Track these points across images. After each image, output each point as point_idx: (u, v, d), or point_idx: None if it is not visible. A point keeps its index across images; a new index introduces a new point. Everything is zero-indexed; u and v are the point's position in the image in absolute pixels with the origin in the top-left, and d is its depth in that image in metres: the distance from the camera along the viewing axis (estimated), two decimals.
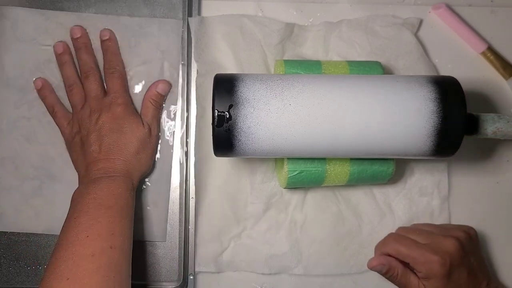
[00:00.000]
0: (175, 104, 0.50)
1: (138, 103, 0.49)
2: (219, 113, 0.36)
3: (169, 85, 0.49)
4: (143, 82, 0.50)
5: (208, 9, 0.51)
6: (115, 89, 0.47)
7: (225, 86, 0.37)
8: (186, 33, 0.50)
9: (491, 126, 0.41)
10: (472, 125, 0.41)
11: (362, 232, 0.49)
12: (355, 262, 0.49)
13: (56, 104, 0.48)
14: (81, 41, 0.48)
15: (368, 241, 0.49)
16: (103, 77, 0.48)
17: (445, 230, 0.46)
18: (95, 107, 0.46)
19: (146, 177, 0.49)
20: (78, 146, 0.46)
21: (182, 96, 0.50)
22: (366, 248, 0.49)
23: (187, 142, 0.49)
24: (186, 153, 0.49)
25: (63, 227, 0.41)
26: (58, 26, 0.50)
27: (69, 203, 0.46)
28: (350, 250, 0.49)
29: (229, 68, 0.49)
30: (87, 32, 0.49)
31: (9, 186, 0.49)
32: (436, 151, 0.38)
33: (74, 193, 0.43)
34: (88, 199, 0.41)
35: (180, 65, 0.50)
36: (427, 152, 0.38)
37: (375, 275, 0.48)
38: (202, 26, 0.49)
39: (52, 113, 0.48)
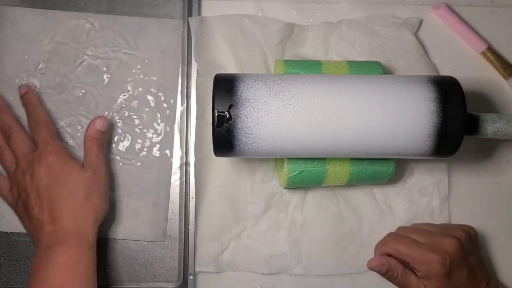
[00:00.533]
0: (175, 104, 0.50)
1: (136, 105, 0.49)
2: (219, 113, 0.36)
3: (107, 121, 0.46)
4: (143, 83, 0.50)
5: (208, 9, 0.51)
6: (42, 139, 0.44)
7: (225, 86, 0.37)
8: (186, 33, 0.50)
9: (491, 126, 0.41)
10: (472, 125, 0.41)
11: (362, 232, 0.49)
12: (355, 262, 0.49)
13: None
14: None
15: (368, 241, 0.49)
16: (29, 133, 0.46)
17: (445, 229, 0.46)
18: (26, 164, 0.43)
19: (137, 186, 0.48)
20: (23, 212, 0.43)
21: (182, 96, 0.50)
22: (366, 248, 0.49)
23: (187, 142, 0.49)
24: (186, 153, 0.49)
25: None
26: (58, 25, 0.50)
27: None
28: (350, 250, 0.49)
29: (229, 68, 0.49)
30: (1, 97, 0.48)
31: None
32: (436, 151, 0.38)
33: (31, 263, 0.41)
34: (39, 279, 0.39)
35: (180, 65, 0.50)
36: (427, 152, 0.38)
37: (375, 275, 0.48)
38: (202, 26, 0.49)
39: None
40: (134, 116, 0.50)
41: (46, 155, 0.43)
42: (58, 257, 0.40)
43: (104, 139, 0.46)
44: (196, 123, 0.48)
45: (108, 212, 0.45)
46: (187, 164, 0.49)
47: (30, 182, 0.42)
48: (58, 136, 0.46)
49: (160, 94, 0.50)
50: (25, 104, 0.47)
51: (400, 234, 0.46)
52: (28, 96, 0.47)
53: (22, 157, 0.44)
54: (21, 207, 0.43)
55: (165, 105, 0.50)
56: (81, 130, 0.49)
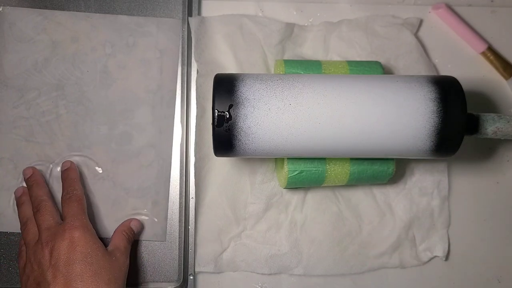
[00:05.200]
0: (175, 104, 0.50)
1: (135, 105, 0.49)
2: (219, 113, 0.36)
3: (142, 226, 0.47)
4: (142, 82, 0.50)
5: (208, 9, 0.51)
6: (72, 213, 0.41)
7: (225, 86, 0.37)
8: (186, 33, 0.50)
9: (491, 126, 0.41)
10: (472, 125, 0.41)
11: (362, 232, 0.49)
12: (355, 262, 0.49)
13: (23, 245, 0.43)
14: (32, 179, 0.46)
15: (368, 241, 0.49)
16: (61, 207, 0.44)
17: None
18: (48, 237, 0.40)
19: (137, 185, 0.48)
20: None
21: (182, 96, 0.50)
22: (366, 248, 0.49)
23: (187, 142, 0.49)
24: (186, 153, 0.49)
25: None
26: (56, 25, 0.50)
27: None
28: (350, 250, 0.49)
29: (229, 68, 0.49)
30: (38, 171, 0.47)
31: (8, 186, 0.49)
32: (436, 151, 0.38)
33: None
34: None
35: (179, 65, 0.50)
36: (427, 152, 0.38)
37: (375, 275, 0.48)
38: (202, 26, 0.49)
39: (19, 252, 0.44)
40: (133, 115, 0.49)
41: (72, 230, 0.40)
42: None
43: (133, 237, 0.46)
44: (196, 123, 0.48)
45: (106, 213, 0.45)
46: (187, 164, 0.49)
47: (49, 256, 0.39)
48: (86, 214, 0.43)
49: (159, 93, 0.50)
50: (64, 179, 0.46)
51: None
52: (69, 172, 0.46)
53: (45, 230, 0.41)
54: (33, 285, 0.39)
55: (164, 104, 0.50)
56: (79, 130, 0.49)
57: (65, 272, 0.38)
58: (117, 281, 0.40)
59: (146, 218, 0.49)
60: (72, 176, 0.46)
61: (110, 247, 0.43)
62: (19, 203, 0.46)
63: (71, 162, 0.47)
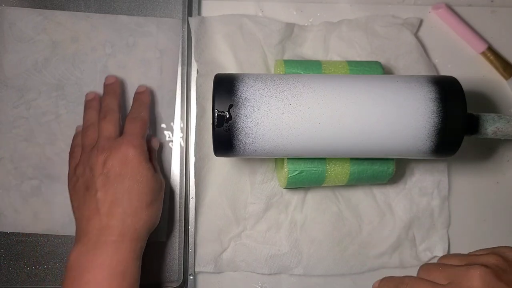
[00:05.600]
0: (175, 104, 0.50)
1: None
2: (219, 113, 0.36)
3: (159, 142, 0.48)
4: (142, 82, 0.50)
5: (208, 9, 0.51)
6: (132, 132, 0.42)
7: (225, 86, 0.37)
8: (186, 33, 0.50)
9: (491, 126, 0.41)
10: (472, 125, 0.41)
11: (362, 232, 0.49)
12: (355, 262, 0.49)
13: (76, 145, 0.46)
14: (111, 87, 0.47)
15: (368, 241, 0.49)
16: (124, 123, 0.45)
17: (474, 258, 0.36)
18: (105, 146, 0.41)
19: None
20: (81, 191, 0.41)
21: (182, 96, 0.50)
22: (366, 248, 0.49)
23: (187, 142, 0.49)
24: (186, 153, 0.49)
25: None
26: (56, 25, 0.50)
27: (69, 204, 0.46)
28: (350, 250, 0.49)
29: (229, 68, 0.49)
30: (120, 82, 0.48)
31: (8, 186, 0.49)
32: (436, 151, 0.38)
33: (70, 256, 0.38)
34: (84, 281, 0.36)
35: (179, 65, 0.50)
36: (427, 152, 0.38)
37: (375, 275, 0.48)
38: (202, 26, 0.49)
39: (70, 153, 0.46)
40: None
41: (128, 146, 0.41)
42: (108, 260, 0.37)
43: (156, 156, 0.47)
44: (196, 123, 0.48)
45: None
46: (187, 164, 0.49)
47: (102, 164, 0.40)
48: (145, 137, 0.44)
49: (159, 92, 0.50)
50: (135, 100, 0.47)
51: (418, 279, 0.36)
52: (142, 96, 0.47)
53: (105, 138, 0.42)
54: (81, 187, 0.41)
55: (164, 104, 0.50)
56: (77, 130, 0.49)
57: (114, 183, 0.39)
58: (157, 203, 0.42)
59: None
60: (144, 100, 0.47)
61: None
62: (87, 106, 0.47)
63: (146, 87, 0.48)
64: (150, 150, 0.45)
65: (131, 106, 0.47)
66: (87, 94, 0.48)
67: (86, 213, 0.39)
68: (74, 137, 0.48)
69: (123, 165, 0.40)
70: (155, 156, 0.47)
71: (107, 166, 0.40)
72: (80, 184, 0.41)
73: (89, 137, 0.44)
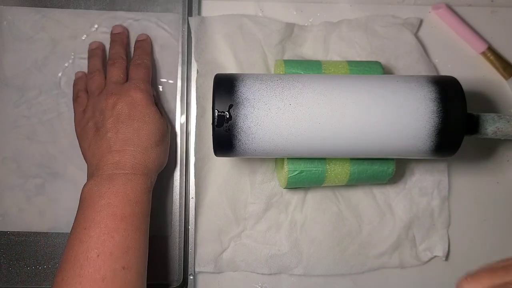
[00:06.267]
0: (176, 98, 0.50)
1: None
2: (219, 113, 0.36)
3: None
4: None
5: (208, 9, 0.51)
6: (138, 77, 0.45)
7: (225, 86, 0.37)
8: (186, 33, 0.50)
9: (491, 126, 0.41)
10: (472, 125, 0.41)
11: (362, 232, 0.49)
12: (355, 262, 0.49)
13: (81, 90, 0.47)
14: (119, 36, 0.48)
15: (368, 241, 0.49)
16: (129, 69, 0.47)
17: None
18: (113, 90, 0.43)
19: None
20: (91, 132, 0.42)
21: (182, 96, 0.50)
22: (366, 248, 0.49)
23: (187, 142, 0.49)
24: (186, 153, 0.49)
25: (70, 235, 0.37)
26: (55, 23, 0.50)
27: (73, 201, 0.46)
28: (350, 250, 0.49)
29: (229, 68, 0.49)
30: (128, 33, 0.49)
31: (12, 186, 0.49)
32: (436, 151, 0.38)
33: (83, 189, 0.39)
34: (100, 205, 0.37)
35: (179, 60, 0.50)
36: (427, 152, 0.38)
37: (375, 275, 0.48)
38: (202, 26, 0.49)
39: (75, 98, 0.47)
40: None
41: (136, 90, 0.43)
42: (121, 188, 0.38)
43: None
44: (196, 123, 0.48)
45: None
46: (187, 164, 0.49)
47: (112, 107, 0.42)
48: (150, 81, 0.46)
49: (159, 87, 0.50)
50: (137, 47, 0.48)
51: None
52: (144, 43, 0.48)
53: (113, 83, 0.44)
54: (91, 127, 0.42)
55: (165, 98, 0.50)
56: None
57: (124, 124, 0.41)
58: (166, 144, 0.44)
59: (152, 213, 0.49)
60: (146, 47, 0.48)
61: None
62: (91, 54, 0.48)
63: (147, 35, 0.49)
64: (154, 96, 0.46)
65: (133, 53, 0.48)
66: (91, 44, 0.49)
67: (99, 151, 0.41)
68: (75, 82, 0.48)
69: (132, 108, 0.42)
70: (159, 101, 0.48)
71: (117, 109, 0.42)
72: (91, 126, 0.43)
73: (96, 82, 0.45)
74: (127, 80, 0.45)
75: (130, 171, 0.40)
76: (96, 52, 0.48)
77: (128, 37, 0.49)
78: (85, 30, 0.50)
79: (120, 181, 0.39)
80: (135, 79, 0.45)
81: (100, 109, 0.42)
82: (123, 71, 0.46)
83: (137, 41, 0.49)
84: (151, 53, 0.49)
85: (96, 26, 0.50)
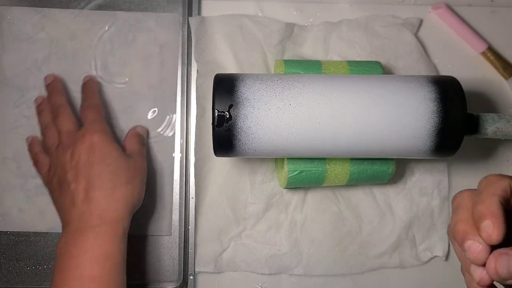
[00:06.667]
0: (176, 99, 0.50)
1: (135, 100, 0.49)
2: (219, 113, 0.36)
3: (147, 130, 0.49)
4: (142, 78, 0.50)
5: (208, 9, 0.51)
6: (90, 119, 0.44)
7: (225, 86, 0.37)
8: (186, 33, 0.50)
9: (491, 126, 0.41)
10: (472, 125, 0.41)
11: (362, 232, 0.49)
12: (355, 262, 0.49)
13: (38, 153, 0.46)
14: (51, 86, 0.48)
15: (368, 241, 0.49)
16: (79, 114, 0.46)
17: None
18: (68, 141, 0.42)
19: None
20: (57, 188, 0.42)
21: (182, 96, 0.50)
22: (366, 248, 0.49)
23: (187, 142, 0.49)
24: (186, 153, 0.49)
25: None
26: (55, 23, 0.50)
27: None
28: (350, 250, 0.49)
29: (229, 68, 0.49)
30: (59, 78, 0.49)
31: (12, 186, 0.49)
32: (436, 151, 0.38)
33: (57, 246, 0.39)
34: (69, 266, 0.38)
35: (179, 60, 0.50)
36: (427, 152, 0.38)
37: (375, 275, 0.48)
38: (202, 26, 0.49)
39: (34, 163, 0.46)
40: (134, 111, 0.49)
41: (91, 134, 0.42)
42: (89, 245, 0.38)
43: (143, 140, 0.48)
44: (196, 123, 0.48)
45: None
46: (187, 164, 0.49)
47: (70, 158, 0.41)
48: (105, 120, 0.45)
49: (160, 88, 0.50)
50: (84, 89, 0.48)
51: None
52: (88, 85, 0.48)
53: (65, 134, 0.43)
54: (56, 184, 0.42)
55: (165, 98, 0.50)
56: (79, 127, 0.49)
57: (85, 172, 0.40)
58: (134, 181, 0.42)
59: (151, 213, 0.49)
60: (93, 87, 0.48)
61: (126, 152, 0.45)
62: (38, 111, 0.48)
63: (93, 76, 0.48)
64: (133, 136, 0.47)
65: (82, 96, 0.47)
66: (35, 100, 0.48)
67: (65, 206, 0.40)
68: (29, 148, 0.48)
69: (90, 153, 0.41)
70: (141, 141, 0.47)
71: (75, 159, 0.41)
72: (55, 183, 0.42)
73: (50, 138, 0.44)
74: (80, 124, 0.45)
75: (97, 222, 0.39)
76: (42, 107, 0.47)
77: (62, 82, 0.49)
78: (85, 30, 0.50)
79: (88, 237, 0.38)
80: (88, 121, 0.44)
81: (60, 164, 0.42)
82: (71, 118, 0.44)
83: (83, 84, 0.48)
84: (99, 91, 0.48)
85: (95, 25, 0.50)
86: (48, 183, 0.44)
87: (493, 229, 0.26)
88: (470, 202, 0.29)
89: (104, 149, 0.41)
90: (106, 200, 0.40)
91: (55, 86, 0.48)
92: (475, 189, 0.29)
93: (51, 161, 0.44)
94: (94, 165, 0.40)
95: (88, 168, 0.40)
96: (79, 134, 0.42)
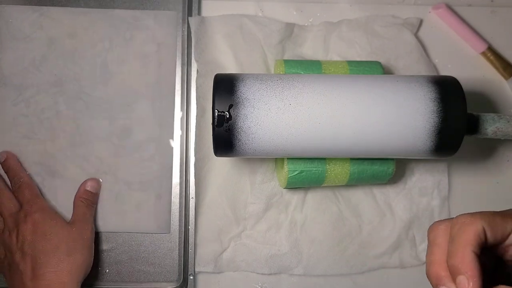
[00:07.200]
0: (174, 97, 0.50)
1: (134, 99, 0.49)
2: (219, 113, 0.36)
3: (99, 183, 0.48)
4: (140, 76, 0.50)
5: (208, 9, 0.51)
6: (26, 199, 0.45)
7: (225, 86, 0.37)
8: (186, 33, 0.50)
9: (491, 126, 0.41)
10: (472, 125, 0.41)
11: (362, 232, 0.49)
12: (355, 262, 0.49)
13: None
14: None
15: (368, 241, 0.49)
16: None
17: None
18: (12, 224, 0.44)
19: (139, 178, 0.48)
20: (7, 272, 0.44)
21: (182, 96, 0.50)
22: (366, 248, 0.49)
23: (187, 142, 0.49)
24: (186, 153, 0.49)
25: None
26: (53, 22, 0.50)
27: (72, 199, 0.47)
28: (350, 250, 0.49)
29: (229, 68, 0.49)
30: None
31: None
32: (436, 151, 0.38)
33: None
34: None
35: (178, 59, 0.50)
36: (427, 152, 0.38)
37: (375, 275, 0.48)
38: (202, 26, 0.49)
39: None
40: (132, 109, 0.49)
41: (32, 213, 0.44)
42: None
43: (93, 200, 0.48)
44: (196, 123, 0.48)
45: (110, 208, 0.46)
46: (187, 164, 0.49)
47: (16, 240, 0.43)
48: (41, 195, 0.47)
49: (158, 86, 0.50)
50: (7, 170, 0.48)
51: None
52: (9, 163, 0.48)
53: (9, 217, 0.45)
54: (7, 267, 0.44)
55: (163, 97, 0.50)
56: (79, 126, 0.49)
57: (30, 251, 0.42)
58: (78, 250, 0.44)
59: (150, 211, 0.49)
60: (13, 165, 0.48)
61: (71, 218, 0.46)
62: None
63: (7, 152, 0.48)
64: (80, 198, 0.47)
65: (8, 177, 0.48)
66: None
67: (16, 284, 0.42)
68: None
69: (33, 232, 0.43)
70: (87, 203, 0.47)
71: (20, 240, 0.43)
72: (6, 265, 0.44)
73: None
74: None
75: None
76: None
77: None
78: (83, 29, 0.50)
79: None
80: (25, 203, 0.45)
81: (8, 247, 0.44)
82: (10, 199, 0.46)
83: (2, 164, 0.48)
84: (21, 165, 0.48)
85: (94, 23, 0.50)
86: (0, 264, 0.45)
87: (467, 284, 0.26)
88: (445, 239, 0.28)
89: (45, 225, 0.43)
90: (51, 275, 0.41)
91: None
92: (450, 221, 0.28)
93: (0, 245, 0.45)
94: (37, 243, 0.42)
95: (33, 247, 0.42)
96: (21, 215, 0.44)
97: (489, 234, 0.27)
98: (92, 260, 0.45)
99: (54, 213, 0.46)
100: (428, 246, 0.29)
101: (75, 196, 0.47)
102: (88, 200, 0.47)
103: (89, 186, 0.47)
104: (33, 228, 0.43)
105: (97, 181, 0.48)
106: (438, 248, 0.28)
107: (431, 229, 0.29)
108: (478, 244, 0.26)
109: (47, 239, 0.43)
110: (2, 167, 0.48)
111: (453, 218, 0.28)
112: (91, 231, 0.46)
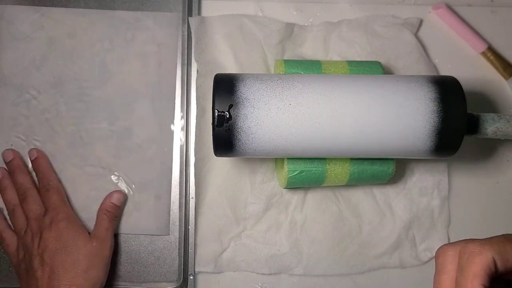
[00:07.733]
0: (174, 98, 0.50)
1: (134, 99, 0.49)
2: (219, 113, 0.36)
3: (124, 195, 0.48)
4: (140, 76, 0.50)
5: (208, 9, 0.51)
6: (54, 206, 0.45)
7: (225, 86, 0.37)
8: (186, 33, 0.50)
9: (491, 126, 0.41)
10: (472, 125, 0.41)
11: (362, 232, 0.49)
12: (355, 262, 0.49)
13: (4, 230, 0.47)
14: (14, 163, 0.47)
15: (368, 241, 0.49)
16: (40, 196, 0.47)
17: None
18: (36, 229, 0.44)
19: (139, 179, 0.48)
20: (23, 274, 0.44)
21: (182, 96, 0.50)
22: (366, 248, 0.49)
23: (187, 142, 0.49)
24: (186, 153, 0.49)
25: None
26: (53, 22, 0.50)
27: (72, 199, 0.47)
28: (350, 250, 0.49)
29: (229, 68, 0.49)
30: (19, 154, 0.48)
31: None
32: (436, 151, 0.38)
33: None
34: None
35: (178, 59, 0.50)
36: (427, 152, 0.38)
37: (375, 275, 0.48)
38: (202, 26, 0.49)
39: (1, 241, 0.47)
40: (133, 110, 0.49)
41: (57, 221, 0.44)
42: None
43: (117, 213, 0.47)
44: (196, 123, 0.48)
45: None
46: (187, 164, 0.49)
47: (37, 246, 0.43)
48: (68, 202, 0.47)
49: (158, 86, 0.50)
50: (36, 169, 0.48)
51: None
52: (39, 162, 0.47)
53: (33, 220, 0.45)
54: (24, 269, 0.44)
55: (163, 98, 0.50)
56: (79, 126, 0.49)
57: (49, 261, 0.42)
58: (96, 267, 0.43)
59: (149, 212, 0.49)
60: (43, 166, 0.47)
61: (93, 231, 0.46)
62: (1, 187, 0.48)
63: (38, 151, 0.48)
64: (104, 211, 0.46)
65: (36, 177, 0.47)
66: None
67: None
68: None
69: (56, 241, 0.43)
70: (111, 217, 0.46)
71: (42, 247, 0.43)
72: (23, 268, 0.44)
73: (18, 221, 0.46)
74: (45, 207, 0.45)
75: None
76: (5, 184, 0.47)
77: (22, 158, 0.48)
78: (84, 29, 0.50)
79: None
80: (51, 209, 0.45)
81: (29, 250, 0.44)
82: (37, 203, 0.46)
83: (32, 162, 0.48)
84: (51, 167, 0.48)
85: (94, 24, 0.50)
86: (16, 265, 0.45)
87: None
88: (453, 267, 0.27)
89: (68, 236, 0.43)
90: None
91: (18, 164, 0.48)
92: (459, 246, 0.27)
93: (19, 244, 0.45)
94: (57, 254, 0.42)
95: (53, 256, 0.42)
96: (46, 221, 0.44)
97: (499, 264, 0.26)
98: (106, 278, 0.45)
99: (78, 224, 0.45)
100: (435, 273, 0.28)
101: (100, 207, 0.47)
102: (111, 213, 0.46)
103: (114, 199, 0.47)
104: (57, 237, 0.43)
105: (123, 194, 0.48)
106: (447, 277, 0.27)
107: (438, 253, 0.29)
108: (487, 276, 0.26)
109: (68, 251, 0.42)
110: (32, 165, 0.48)
111: (462, 242, 0.27)
112: (110, 249, 0.46)
